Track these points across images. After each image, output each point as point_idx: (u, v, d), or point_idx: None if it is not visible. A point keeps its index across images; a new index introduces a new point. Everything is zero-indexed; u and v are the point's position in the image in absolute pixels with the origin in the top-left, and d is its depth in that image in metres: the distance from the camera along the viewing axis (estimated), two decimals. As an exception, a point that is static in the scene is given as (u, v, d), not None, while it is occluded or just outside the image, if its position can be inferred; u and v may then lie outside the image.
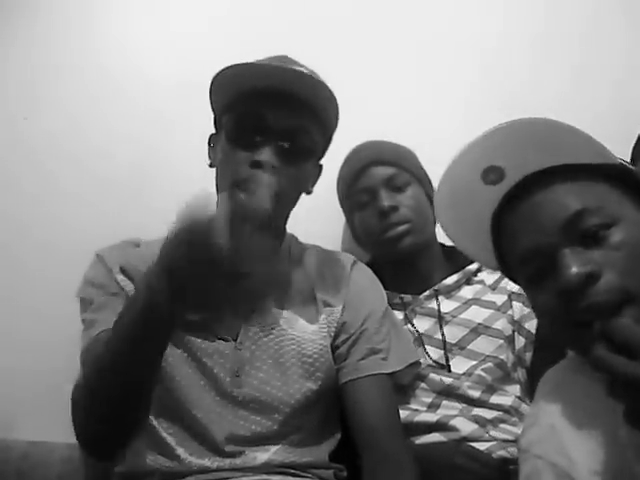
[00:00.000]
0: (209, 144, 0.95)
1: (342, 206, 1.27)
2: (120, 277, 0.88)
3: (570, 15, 1.47)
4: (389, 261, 1.16)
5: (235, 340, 0.88)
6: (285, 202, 0.87)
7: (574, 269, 0.56)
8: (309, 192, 0.97)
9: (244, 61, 0.84)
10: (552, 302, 0.59)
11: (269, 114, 0.84)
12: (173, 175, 1.36)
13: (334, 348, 0.92)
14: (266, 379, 0.87)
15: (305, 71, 0.86)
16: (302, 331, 0.91)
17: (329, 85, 0.90)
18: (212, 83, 0.86)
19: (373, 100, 1.40)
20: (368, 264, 1.09)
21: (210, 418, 0.84)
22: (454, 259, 1.16)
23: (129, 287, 0.87)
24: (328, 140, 0.96)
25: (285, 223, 0.97)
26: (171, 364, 0.85)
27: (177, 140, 1.38)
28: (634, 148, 1.08)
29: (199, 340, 0.87)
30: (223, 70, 0.83)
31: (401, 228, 1.11)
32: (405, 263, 1.15)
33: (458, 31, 1.46)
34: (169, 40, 1.44)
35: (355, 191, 1.19)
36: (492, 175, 0.64)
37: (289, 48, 0.96)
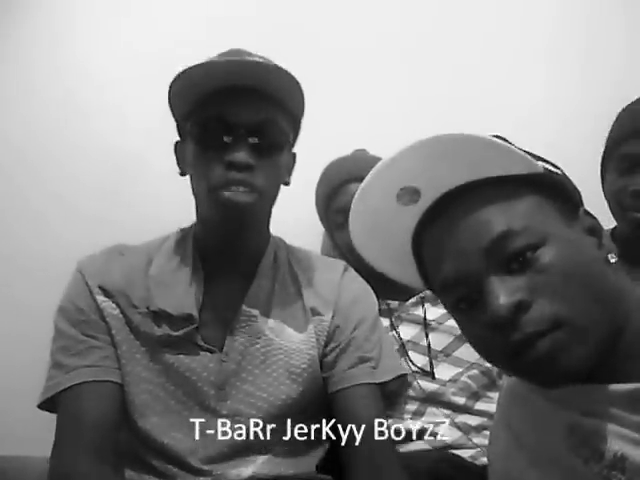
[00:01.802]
0: (175, 153, 0.92)
1: (322, 223, 1.28)
2: (100, 298, 0.85)
3: (570, 17, 1.48)
4: (373, 275, 1.17)
5: (220, 351, 0.85)
6: (266, 197, 0.85)
7: (502, 300, 0.51)
8: (287, 183, 0.93)
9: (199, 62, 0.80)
10: (483, 333, 0.55)
11: (232, 112, 0.81)
12: (151, 177, 1.39)
13: (322, 356, 0.89)
14: (251, 391, 0.85)
15: (261, 61, 0.82)
16: (289, 340, 0.88)
17: (293, 73, 0.84)
18: (170, 91, 0.83)
19: (357, 109, 1.41)
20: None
21: (191, 436, 0.82)
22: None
23: (108, 308, 0.85)
24: (297, 127, 0.92)
25: (268, 222, 0.94)
26: (138, 405, 0.83)
27: (155, 143, 1.39)
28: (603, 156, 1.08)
29: (182, 355, 0.84)
30: (178, 76, 0.79)
31: None
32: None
33: (443, 38, 1.47)
34: (155, 33, 1.46)
35: (331, 211, 1.19)
36: (407, 196, 0.59)
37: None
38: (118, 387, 0.82)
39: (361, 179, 1.15)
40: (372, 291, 0.99)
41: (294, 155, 0.95)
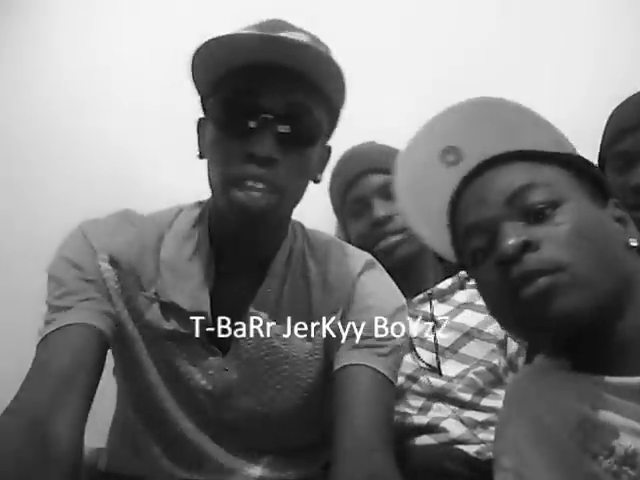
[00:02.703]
0: (198, 131, 0.81)
1: (336, 214, 1.27)
2: (105, 265, 0.76)
3: (551, 15, 1.50)
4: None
5: (224, 356, 0.79)
6: (288, 198, 0.74)
7: (511, 240, 0.55)
8: (317, 180, 0.82)
9: (230, 32, 0.70)
10: (491, 275, 0.57)
11: (262, 93, 0.70)
12: (154, 174, 1.39)
13: (329, 352, 0.81)
14: (254, 402, 0.80)
15: (303, 39, 0.71)
16: (296, 350, 0.80)
17: (333, 53, 0.76)
18: (193, 60, 0.71)
19: (377, 95, 1.41)
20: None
21: (195, 439, 0.81)
22: (448, 263, 1.16)
23: (112, 280, 0.76)
24: (335, 118, 0.80)
25: (289, 216, 0.83)
26: (154, 383, 0.80)
27: (161, 141, 1.39)
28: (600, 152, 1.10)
29: (184, 354, 0.79)
30: (205, 44, 0.68)
31: (395, 238, 1.12)
32: (399, 270, 1.15)
33: (453, 31, 1.49)
34: (153, 39, 1.47)
35: (348, 201, 1.18)
36: (450, 156, 0.62)
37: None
38: (104, 335, 0.73)
39: (379, 170, 1.16)
40: (399, 292, 0.87)
41: (329, 149, 0.84)
